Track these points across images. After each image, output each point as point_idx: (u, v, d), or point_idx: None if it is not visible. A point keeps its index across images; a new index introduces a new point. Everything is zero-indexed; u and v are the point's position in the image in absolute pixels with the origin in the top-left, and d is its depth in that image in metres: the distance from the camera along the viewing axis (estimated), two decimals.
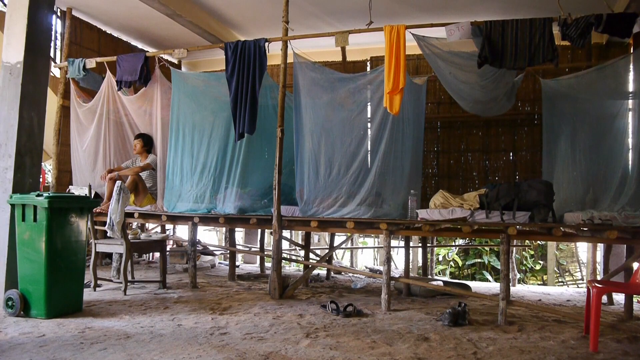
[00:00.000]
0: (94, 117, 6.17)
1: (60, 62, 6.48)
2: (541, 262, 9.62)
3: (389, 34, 4.53)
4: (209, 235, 11.26)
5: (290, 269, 8.25)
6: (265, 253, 6.88)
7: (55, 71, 6.68)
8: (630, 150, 4.84)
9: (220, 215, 5.24)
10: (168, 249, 7.41)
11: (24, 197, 3.83)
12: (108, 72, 5.99)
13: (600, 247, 5.93)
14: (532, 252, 9.56)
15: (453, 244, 9.38)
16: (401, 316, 4.21)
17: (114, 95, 6.05)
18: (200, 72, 8.18)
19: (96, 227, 5.21)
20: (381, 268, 5.44)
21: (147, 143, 6.02)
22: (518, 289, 6.25)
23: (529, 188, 4.37)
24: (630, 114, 4.97)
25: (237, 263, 7.19)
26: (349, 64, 7.59)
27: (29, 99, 4.28)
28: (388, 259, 4.51)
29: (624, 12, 5.02)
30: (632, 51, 5.80)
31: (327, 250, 7.31)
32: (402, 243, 6.70)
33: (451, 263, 9.84)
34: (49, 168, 8.16)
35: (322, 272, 6.85)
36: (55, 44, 6.82)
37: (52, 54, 6.39)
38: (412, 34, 4.57)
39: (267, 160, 5.73)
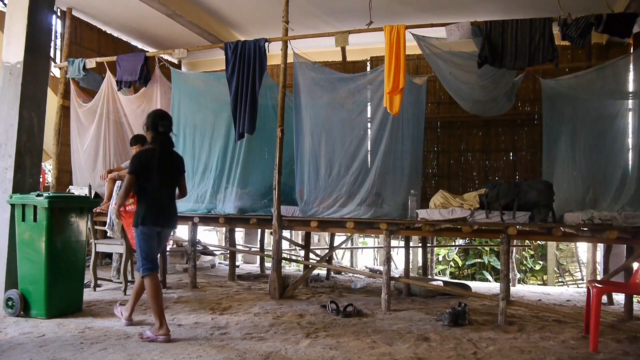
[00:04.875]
0: (94, 117, 6.17)
1: (60, 62, 6.48)
2: (541, 262, 9.60)
3: (389, 34, 4.53)
4: (209, 235, 11.25)
5: (290, 269, 8.25)
6: (265, 253, 6.87)
7: (55, 71, 6.68)
8: (630, 150, 4.84)
9: (220, 215, 5.24)
10: (168, 249, 7.40)
11: (24, 197, 3.83)
12: (108, 72, 5.99)
13: (600, 247, 5.92)
14: (532, 252, 9.54)
15: (453, 244, 9.37)
16: (401, 316, 4.20)
17: (114, 95, 6.05)
18: (200, 72, 8.18)
19: (96, 227, 5.21)
20: (381, 268, 5.43)
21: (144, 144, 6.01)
22: (518, 289, 6.24)
23: (529, 188, 4.37)
24: (630, 114, 4.97)
25: (237, 263, 7.19)
26: (349, 64, 7.58)
27: (29, 99, 4.28)
28: (388, 259, 4.51)
29: (624, 12, 5.03)
30: (632, 51, 5.80)
31: (327, 250, 7.31)
32: (402, 243, 6.69)
33: (451, 263, 9.83)
34: (49, 168, 8.15)
35: (322, 272, 6.84)
36: (55, 44, 6.82)
37: (52, 54, 6.38)
38: (412, 34, 4.57)
39: (267, 160, 5.73)
